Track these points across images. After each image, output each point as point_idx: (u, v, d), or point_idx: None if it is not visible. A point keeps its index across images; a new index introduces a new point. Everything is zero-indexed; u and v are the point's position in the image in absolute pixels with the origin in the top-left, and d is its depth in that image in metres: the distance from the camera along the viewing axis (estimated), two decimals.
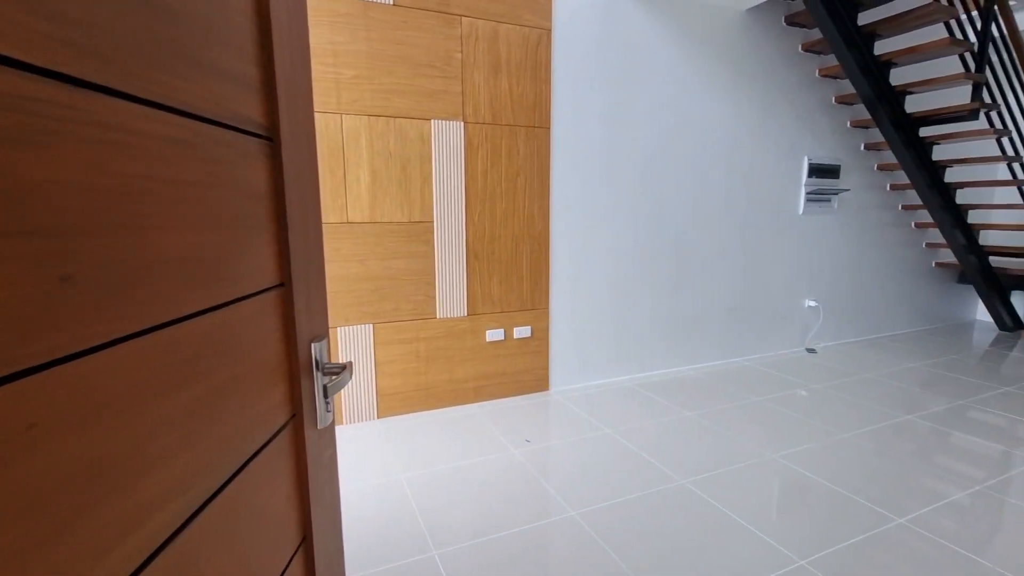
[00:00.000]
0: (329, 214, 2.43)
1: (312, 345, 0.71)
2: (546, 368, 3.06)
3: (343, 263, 2.49)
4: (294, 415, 0.68)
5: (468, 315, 2.80)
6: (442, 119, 2.58)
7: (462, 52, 2.57)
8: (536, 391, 3.06)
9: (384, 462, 2.23)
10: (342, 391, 2.58)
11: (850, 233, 4.08)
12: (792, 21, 3.48)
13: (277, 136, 0.62)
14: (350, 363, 0.73)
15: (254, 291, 0.59)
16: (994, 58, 3.83)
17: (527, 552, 1.65)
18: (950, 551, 1.64)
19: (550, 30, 2.76)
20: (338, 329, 2.52)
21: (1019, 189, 3.84)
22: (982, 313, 5.04)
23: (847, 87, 3.81)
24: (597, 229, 3.08)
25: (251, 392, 0.59)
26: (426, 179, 2.60)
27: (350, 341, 2.56)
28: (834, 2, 3.03)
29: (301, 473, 0.69)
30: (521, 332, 2.95)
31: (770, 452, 2.31)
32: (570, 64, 2.85)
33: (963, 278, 4.72)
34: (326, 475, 0.78)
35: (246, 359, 0.58)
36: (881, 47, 3.48)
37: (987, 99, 3.42)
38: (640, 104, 3.08)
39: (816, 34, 3.57)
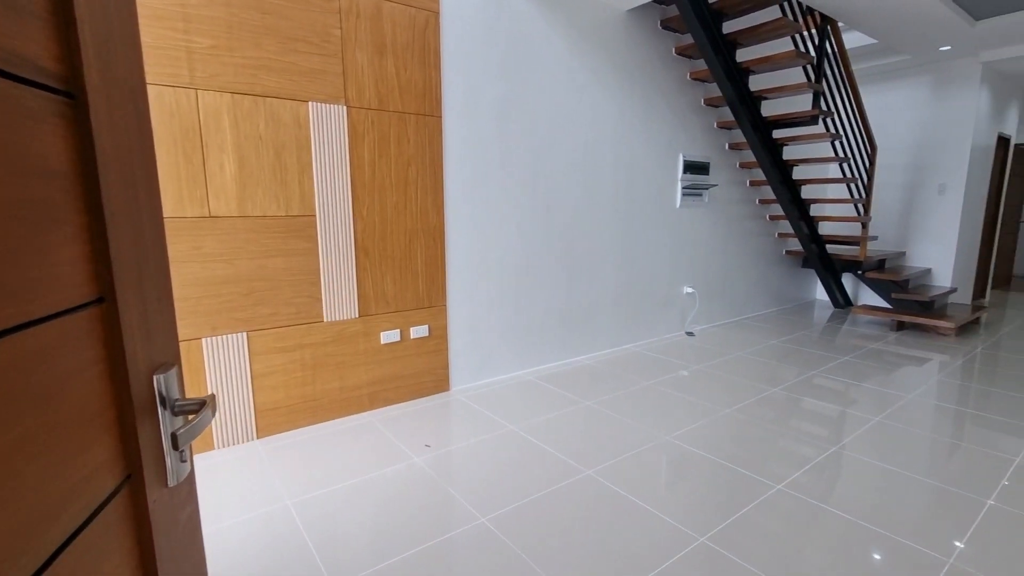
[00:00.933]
0: (185, 207, 2.08)
1: (155, 377, 0.53)
2: (446, 368, 2.95)
3: (206, 264, 2.15)
4: (129, 476, 0.50)
5: (360, 316, 2.58)
6: (321, 102, 2.33)
7: (341, 28, 2.34)
8: (436, 392, 2.93)
9: (267, 488, 1.97)
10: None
11: (718, 224, 4.47)
12: (666, 25, 3.69)
13: (82, 92, 0.44)
14: (212, 396, 0.57)
15: (55, 311, 0.41)
16: (830, 72, 4.39)
17: (437, 570, 1.54)
18: (821, 509, 1.82)
19: (438, 13, 2.62)
20: (203, 340, 2.18)
21: (848, 186, 4.48)
22: (820, 293, 5.85)
23: (714, 90, 4.15)
24: (493, 222, 3.02)
25: (56, 454, 0.41)
26: (305, 168, 2.33)
27: (219, 353, 2.22)
28: (702, 10, 3.26)
29: (146, 551, 0.52)
30: (418, 332, 2.79)
31: (665, 434, 2.42)
32: (460, 50, 2.74)
33: (806, 263, 5.41)
34: (185, 540, 0.60)
35: (46, 407, 0.40)
36: (742, 55, 3.82)
37: (824, 107, 3.92)
38: (531, 95, 3.06)
39: (688, 39, 3.83)
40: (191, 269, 2.12)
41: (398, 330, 2.72)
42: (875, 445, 2.32)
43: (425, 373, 2.86)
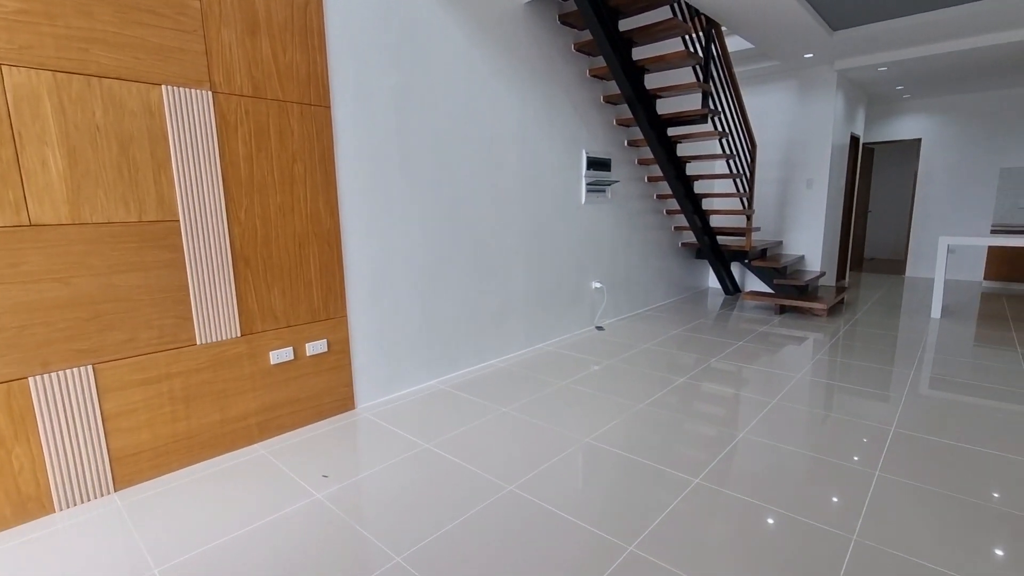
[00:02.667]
0: None
1: None
2: (350, 384, 2.68)
3: (30, 285, 1.72)
4: None
5: (243, 335, 2.25)
6: (179, 85, 1.97)
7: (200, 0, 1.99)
8: (340, 412, 2.65)
9: (128, 554, 1.61)
10: (49, 462, 1.81)
11: (621, 220, 4.58)
12: (565, 21, 3.67)
13: None
14: None
15: None
16: (716, 73, 4.64)
17: None
18: (741, 501, 1.86)
19: None
20: (30, 380, 1.75)
21: (734, 181, 4.80)
22: (712, 281, 6.26)
23: (612, 88, 4.22)
24: (395, 223, 2.79)
25: None
26: (162, 165, 1.96)
27: (55, 394, 1.80)
28: (599, 7, 3.26)
29: None
30: (315, 347, 2.50)
31: (583, 436, 2.37)
32: (349, 33, 2.47)
33: (699, 254, 5.76)
34: None
35: None
36: (637, 53, 3.90)
37: (712, 106, 4.13)
38: (431, 87, 2.87)
39: (586, 35, 3.84)
40: (7, 292, 1.68)
41: (291, 348, 2.41)
42: (776, 428, 2.44)
43: (325, 393, 2.58)
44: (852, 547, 1.60)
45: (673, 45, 4.53)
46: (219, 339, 2.17)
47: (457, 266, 3.15)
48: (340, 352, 2.61)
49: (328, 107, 2.42)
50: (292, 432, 2.46)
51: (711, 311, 5.04)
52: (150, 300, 1.98)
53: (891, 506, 1.82)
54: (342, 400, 2.65)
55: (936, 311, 4.69)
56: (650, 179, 4.87)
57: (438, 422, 2.55)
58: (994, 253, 6.12)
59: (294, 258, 2.38)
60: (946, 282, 6.57)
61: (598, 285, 4.37)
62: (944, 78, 5.64)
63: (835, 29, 4.32)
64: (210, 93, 2.04)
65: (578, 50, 3.84)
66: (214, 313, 2.14)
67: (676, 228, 5.39)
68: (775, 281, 4.99)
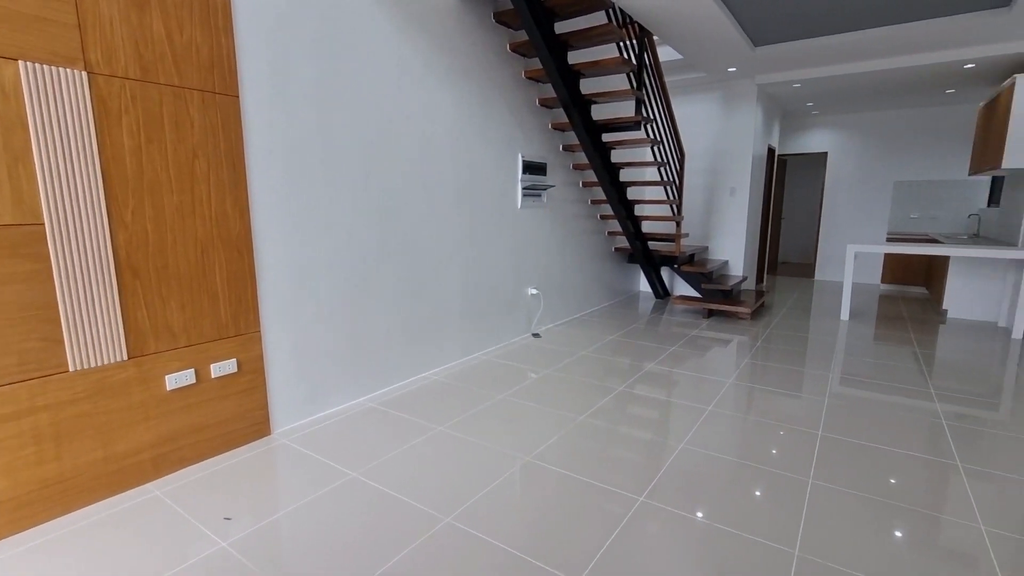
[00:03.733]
0: None
1: None
2: (265, 407, 2.40)
3: None
4: None
5: (131, 358, 1.93)
6: (43, 62, 1.64)
7: None
8: (253, 440, 2.37)
9: None
10: None
11: (556, 225, 4.53)
12: (500, 19, 3.55)
13: None
14: None
15: None
16: (648, 81, 4.71)
17: None
18: (684, 519, 1.81)
19: None
20: None
21: (665, 188, 4.90)
22: (643, 286, 6.39)
23: (548, 91, 4.15)
24: (318, 228, 2.54)
25: None
26: (20, 157, 1.62)
27: None
28: (535, 7, 3.17)
29: None
30: (223, 368, 2.21)
31: (524, 454, 2.25)
32: (261, 15, 2.21)
33: (631, 259, 5.85)
34: None
35: None
36: (573, 58, 3.86)
37: (645, 114, 4.18)
38: (358, 80, 2.65)
39: (522, 35, 3.74)
40: None
41: (192, 370, 2.11)
42: (714, 437, 2.45)
43: (236, 418, 2.29)
44: (796, 563, 1.59)
45: (608, 52, 4.55)
46: (100, 364, 1.84)
47: (388, 273, 2.94)
48: (253, 372, 2.33)
49: (236, 96, 2.14)
50: (196, 466, 2.15)
51: (644, 315, 5.12)
52: (5, 320, 1.63)
53: (827, 515, 1.84)
54: (256, 425, 2.37)
55: (845, 313, 5.03)
56: (585, 184, 4.87)
57: (366, 446, 2.33)
58: (890, 258, 6.70)
59: (196, 267, 2.08)
60: (857, 285, 7.11)
61: (534, 291, 4.29)
62: (849, 97, 6.10)
63: (756, 45, 4.51)
64: (85, 74, 1.72)
65: (514, 50, 3.73)
66: (93, 333, 1.81)
67: (610, 233, 5.43)
68: (703, 286, 5.16)
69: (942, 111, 6.59)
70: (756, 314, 5.17)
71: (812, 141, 7.50)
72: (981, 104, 5.43)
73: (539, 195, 4.24)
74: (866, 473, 2.13)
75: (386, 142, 2.84)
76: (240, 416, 2.30)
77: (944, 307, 5.14)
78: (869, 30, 4.09)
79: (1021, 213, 4.76)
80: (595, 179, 4.90)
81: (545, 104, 4.13)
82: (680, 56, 4.81)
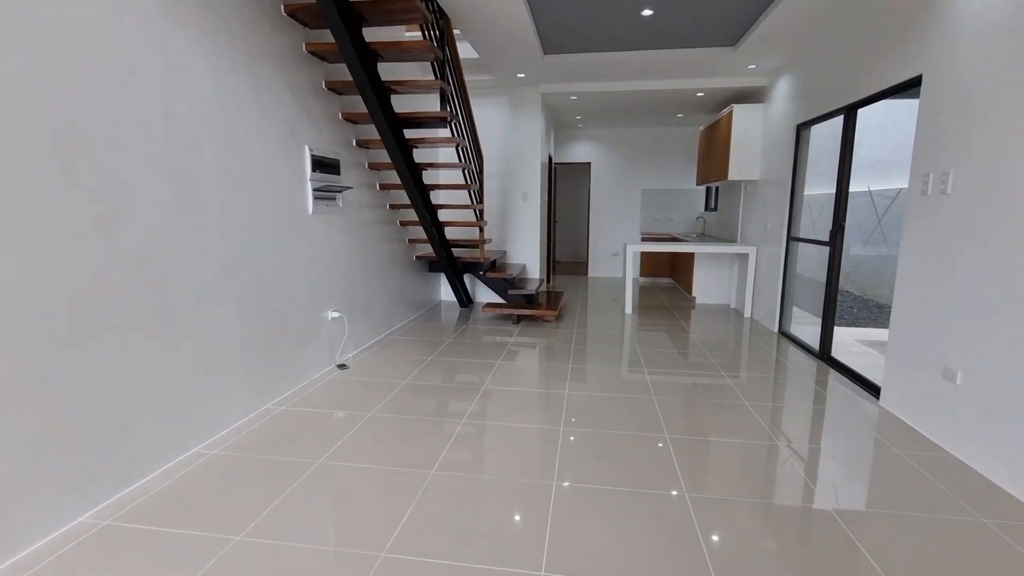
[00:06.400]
0: None
1: None
2: None
3: None
4: None
5: None
6: None
7: None
8: None
9: None
10: None
11: (355, 233, 3.86)
12: None
13: None
14: None
15: None
16: (451, 76, 4.36)
17: None
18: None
19: None
20: None
21: (469, 192, 4.65)
22: (445, 294, 6.08)
23: (337, 72, 3.46)
24: None
25: None
26: None
27: None
28: None
29: None
30: None
31: (377, 549, 1.66)
32: None
33: (432, 267, 5.47)
34: None
35: None
36: (371, 35, 3.25)
37: (451, 110, 3.83)
38: (36, 9, 1.62)
39: None
40: None
41: None
42: (585, 471, 2.23)
43: None
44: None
45: (400, 37, 4.05)
46: None
47: (117, 315, 1.93)
48: None
49: None
50: None
51: (454, 328, 4.80)
52: None
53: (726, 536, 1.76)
54: None
55: (629, 307, 5.58)
56: (383, 186, 4.29)
57: None
58: (645, 255, 7.81)
59: None
60: (617, 279, 8.09)
61: (336, 314, 3.55)
62: (609, 113, 6.85)
63: (547, 53, 4.60)
64: None
65: (290, 15, 2.96)
66: None
67: (410, 240, 4.95)
68: (510, 292, 5.10)
69: (674, 131, 7.96)
70: (559, 316, 5.35)
71: (578, 151, 8.28)
72: (702, 128, 6.67)
73: (334, 198, 3.51)
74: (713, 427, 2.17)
75: (101, 114, 1.84)
76: None
77: (693, 295, 6.15)
78: (638, 51, 4.52)
79: (736, 215, 5.97)
80: (394, 181, 4.36)
81: (334, 88, 3.43)
82: (475, 56, 4.62)
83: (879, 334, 4.78)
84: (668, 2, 3.50)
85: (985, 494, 2.02)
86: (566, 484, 2.06)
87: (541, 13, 3.71)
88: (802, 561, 1.61)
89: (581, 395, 3.06)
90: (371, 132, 3.99)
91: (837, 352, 3.73)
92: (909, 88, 2.85)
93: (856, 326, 5.56)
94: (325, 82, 3.37)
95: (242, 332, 2.62)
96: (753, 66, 4.81)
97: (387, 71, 3.93)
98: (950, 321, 2.42)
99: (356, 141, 3.85)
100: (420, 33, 4.13)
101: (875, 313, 5.76)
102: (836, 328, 3.76)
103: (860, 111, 3.47)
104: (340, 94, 3.56)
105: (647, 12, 3.66)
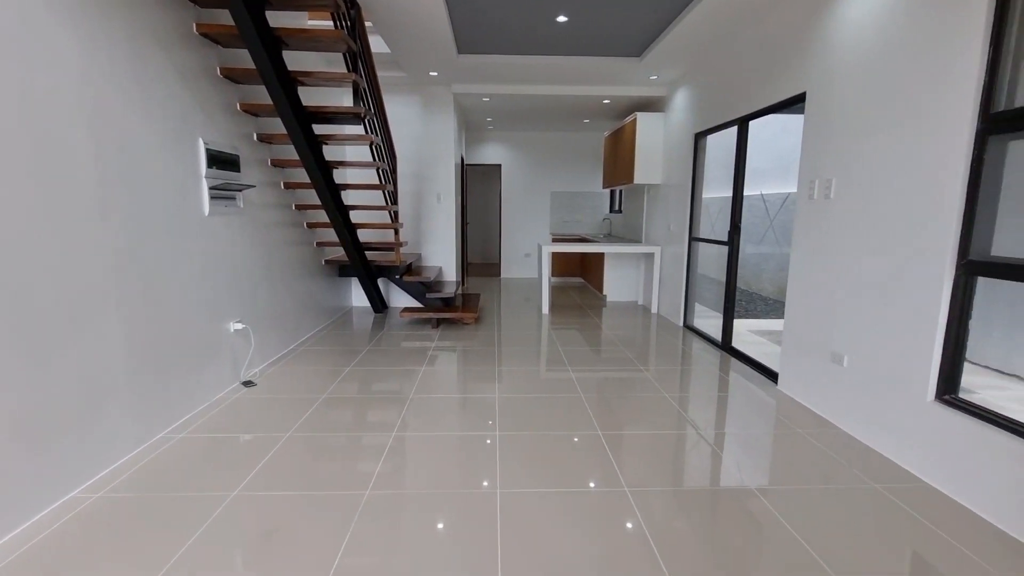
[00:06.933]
0: None
1: None
2: None
3: None
4: None
5: None
6: None
7: None
8: None
9: None
10: None
11: (258, 236, 3.52)
12: None
13: None
14: None
15: None
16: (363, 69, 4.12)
17: None
18: None
19: None
20: None
21: (384, 192, 4.44)
22: (356, 300, 5.78)
23: (233, 57, 3.13)
24: None
25: None
26: None
27: None
28: None
29: None
30: None
31: None
32: None
33: (343, 271, 5.16)
34: None
35: None
36: (273, 20, 2.97)
37: (365, 105, 3.62)
38: None
39: None
40: None
41: None
42: (537, 475, 2.20)
43: None
44: None
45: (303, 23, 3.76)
46: None
47: None
48: None
49: None
50: None
51: (369, 335, 4.57)
52: None
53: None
54: None
55: (545, 307, 5.67)
56: (288, 185, 3.97)
57: None
58: (554, 256, 8.01)
59: None
60: (529, 280, 8.22)
61: (240, 326, 3.20)
62: (520, 116, 6.93)
63: (461, 52, 4.53)
64: None
65: None
66: None
67: (319, 244, 4.63)
68: (428, 295, 4.95)
69: (581, 136, 8.25)
70: (479, 319, 5.30)
71: (489, 153, 8.29)
72: (606, 134, 6.98)
73: (233, 198, 3.17)
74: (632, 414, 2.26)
75: None
76: None
77: (604, 293, 6.40)
78: (551, 56, 4.61)
79: (640, 217, 6.33)
80: (300, 179, 4.05)
81: (231, 76, 3.10)
82: (386, 51, 4.42)
83: (767, 324, 5.31)
84: (582, 11, 3.60)
85: (873, 462, 2.29)
86: (510, 490, 2.02)
87: (459, 11, 3.64)
88: (735, 533, 1.72)
89: (511, 397, 3.04)
90: (274, 126, 3.66)
91: (736, 343, 4.07)
92: (795, 103, 3.18)
93: (745, 318, 6.14)
94: (220, 68, 3.04)
95: (129, 351, 2.26)
96: (655, 77, 5.11)
97: (289, 61, 3.64)
98: (836, 311, 2.73)
99: (257, 135, 3.51)
100: (325, 21, 3.90)
101: (759, 305, 6.40)
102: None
103: (751, 123, 3.81)
104: (237, 83, 3.22)
105: (562, 18, 3.74)
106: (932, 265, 2.13)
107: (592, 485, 2.07)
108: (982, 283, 2.04)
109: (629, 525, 1.81)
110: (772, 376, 3.39)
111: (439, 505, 1.92)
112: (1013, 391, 2.92)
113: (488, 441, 2.46)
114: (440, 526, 1.79)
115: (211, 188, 2.92)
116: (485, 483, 2.07)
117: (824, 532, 1.78)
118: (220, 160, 3.01)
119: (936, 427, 2.11)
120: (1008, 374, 3.05)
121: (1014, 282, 1.87)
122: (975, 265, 1.99)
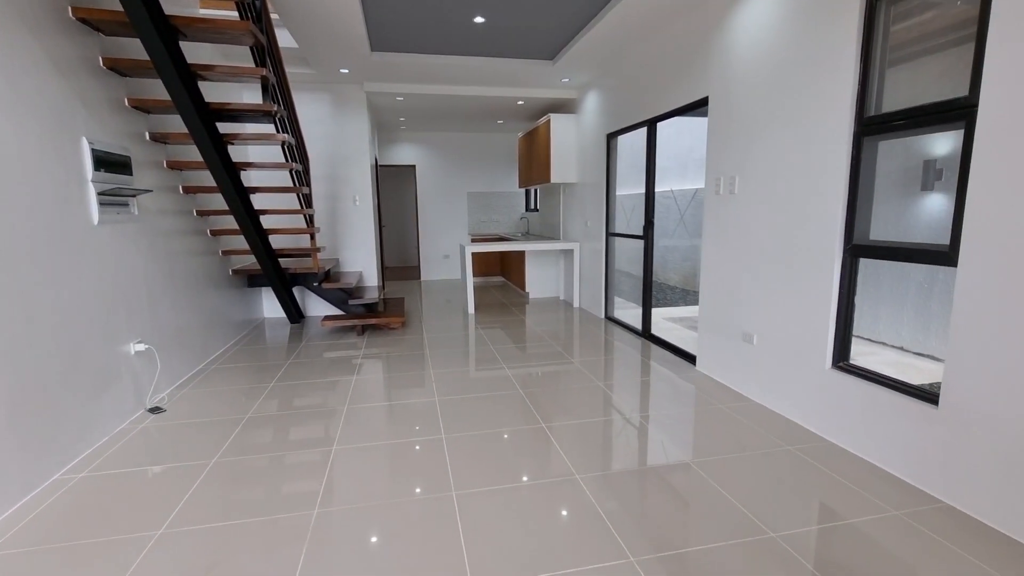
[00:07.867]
0: None
1: None
2: None
3: None
4: None
5: None
6: None
7: None
8: None
9: None
10: None
11: (157, 245, 3.18)
12: None
13: None
14: None
15: None
16: (272, 65, 3.85)
17: None
18: None
19: None
20: None
21: (298, 195, 4.18)
22: (268, 311, 5.40)
23: (117, 47, 2.80)
24: None
25: None
26: None
27: None
28: None
29: None
30: None
31: None
32: None
33: (252, 281, 4.80)
34: None
35: None
36: (166, 7, 2.70)
37: (276, 102, 3.38)
38: None
39: None
40: None
41: None
42: (501, 472, 2.20)
43: None
44: None
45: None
46: None
47: None
48: None
49: None
50: None
51: (289, 347, 4.30)
52: None
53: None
54: None
55: (471, 308, 5.67)
56: (187, 190, 3.62)
57: None
58: (474, 256, 8.02)
59: None
60: (450, 281, 8.16)
61: (141, 347, 2.87)
62: (434, 116, 6.85)
63: (374, 49, 4.39)
64: None
65: None
66: None
67: (224, 252, 4.27)
68: (351, 303, 4.75)
69: (495, 137, 8.32)
70: (405, 323, 5.17)
71: (402, 154, 8.11)
72: (520, 134, 7.11)
73: (126, 204, 2.84)
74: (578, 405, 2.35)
75: None
76: None
77: (527, 290, 6.53)
78: (466, 57, 4.61)
79: (557, 215, 6.53)
80: (201, 182, 3.71)
81: (116, 68, 2.77)
82: (293, 46, 4.17)
83: (678, 312, 5.71)
84: (498, 12, 3.64)
85: (784, 427, 2.56)
86: (466, 491, 2.01)
87: (374, 7, 3.53)
88: (680, 503, 1.84)
89: (451, 399, 3.01)
90: (168, 123, 3.33)
91: (655, 330, 4.34)
92: (700, 107, 3.46)
93: (657, 307, 6.55)
94: (103, 59, 2.70)
95: (7, 387, 1.95)
96: (567, 80, 5.29)
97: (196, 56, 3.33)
98: (744, 295, 3.01)
99: (150, 134, 3.17)
100: (221, 11, 3.62)
101: (667, 294, 6.87)
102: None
103: (658, 124, 4.09)
104: (124, 75, 2.89)
105: (479, 19, 3.76)
106: (824, 250, 2.43)
107: (544, 476, 2.12)
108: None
109: (584, 508, 1.87)
110: (690, 359, 3.66)
111: (396, 515, 1.86)
112: (882, 356, 3.40)
113: (435, 446, 2.42)
114: (400, 536, 1.74)
115: (100, 194, 2.59)
116: (439, 488, 2.04)
117: (753, 493, 1.96)
118: (108, 162, 2.68)
119: (834, 391, 2.41)
120: (876, 341, 3.55)
121: (874, 260, 2.21)
122: (859, 248, 2.30)
